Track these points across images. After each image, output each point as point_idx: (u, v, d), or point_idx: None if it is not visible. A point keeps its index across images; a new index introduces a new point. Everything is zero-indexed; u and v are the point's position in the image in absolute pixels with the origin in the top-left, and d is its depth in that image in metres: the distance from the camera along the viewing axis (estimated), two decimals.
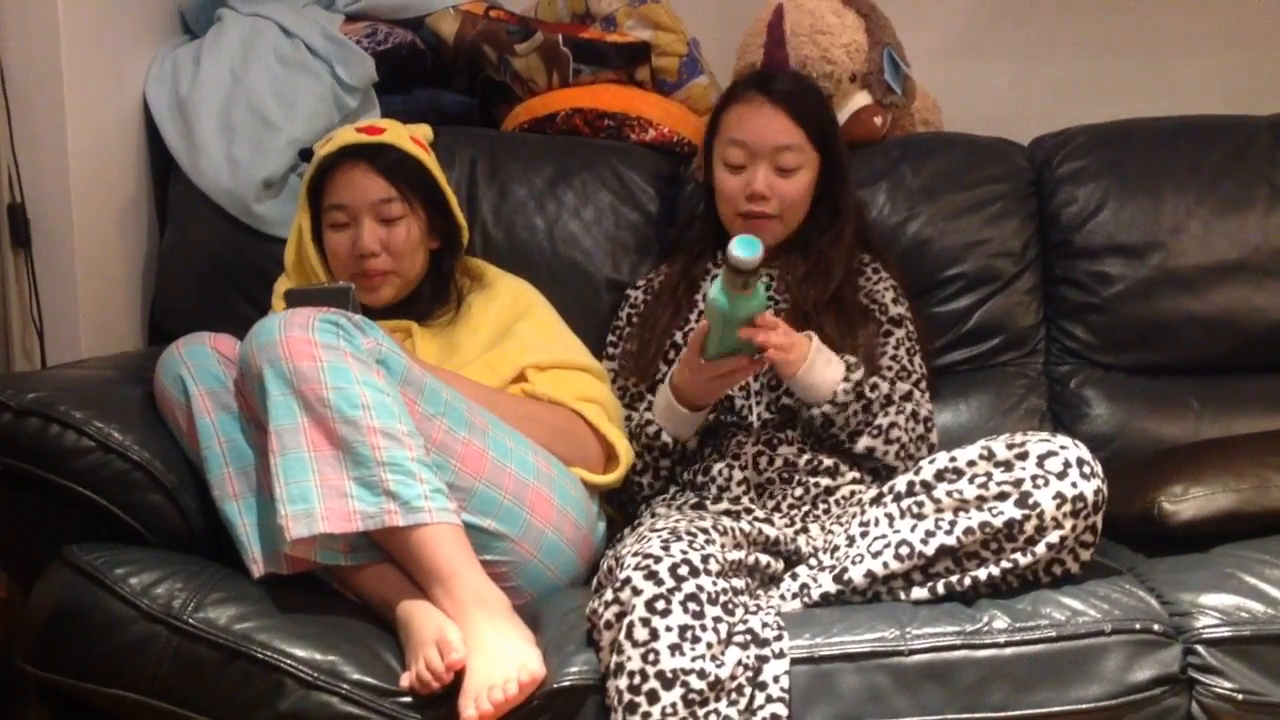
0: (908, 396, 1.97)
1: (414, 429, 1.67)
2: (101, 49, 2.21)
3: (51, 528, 1.70)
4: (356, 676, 1.58)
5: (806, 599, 1.70)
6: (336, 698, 1.57)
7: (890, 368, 2.02)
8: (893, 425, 1.93)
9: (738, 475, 1.94)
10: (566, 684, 1.56)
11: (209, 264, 2.28)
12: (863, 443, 1.93)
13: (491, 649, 1.55)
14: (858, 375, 1.92)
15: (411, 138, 2.04)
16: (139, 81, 2.34)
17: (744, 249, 1.71)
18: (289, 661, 1.58)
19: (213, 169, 2.26)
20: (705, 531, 1.65)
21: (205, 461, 1.71)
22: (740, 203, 2.07)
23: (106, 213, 2.24)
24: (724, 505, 1.91)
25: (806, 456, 1.94)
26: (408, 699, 1.57)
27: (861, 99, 2.43)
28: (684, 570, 1.54)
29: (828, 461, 1.94)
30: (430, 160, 2.05)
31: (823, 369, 1.90)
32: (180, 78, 2.33)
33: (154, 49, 2.39)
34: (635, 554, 1.58)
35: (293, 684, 1.57)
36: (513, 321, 2.05)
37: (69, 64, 2.09)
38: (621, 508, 2.05)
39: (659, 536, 1.60)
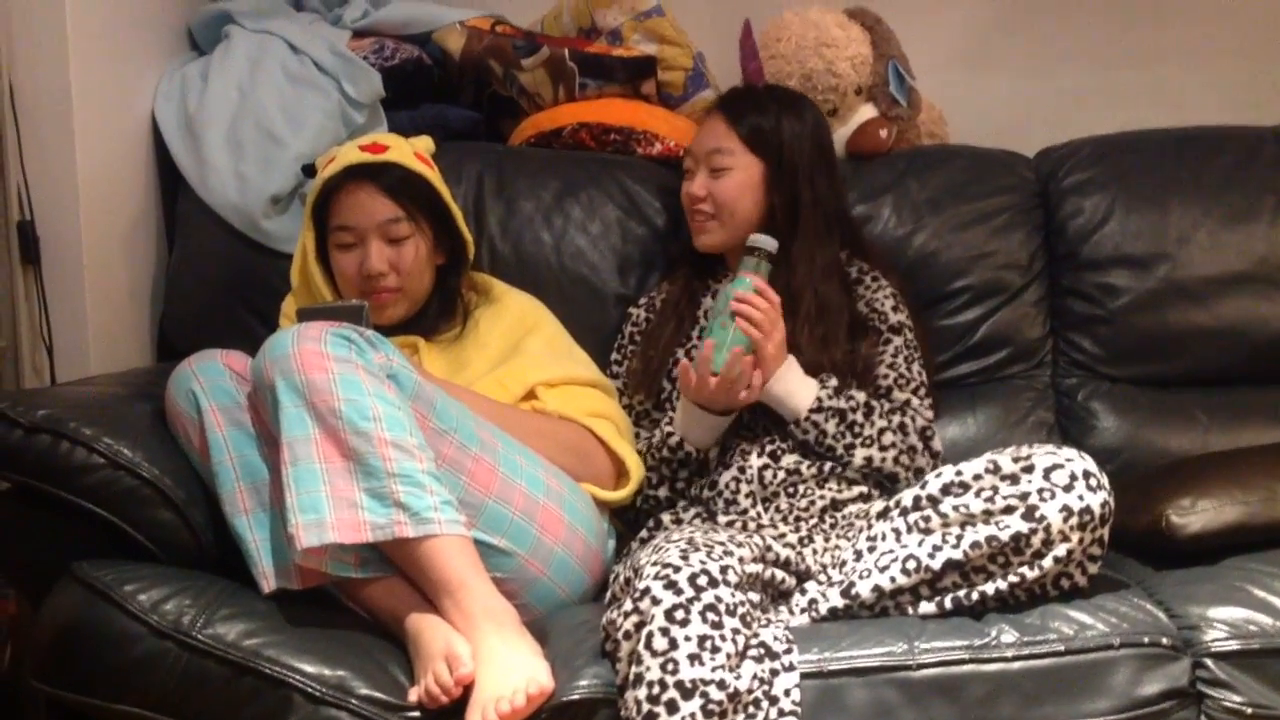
0: (898, 407, 1.97)
1: (424, 442, 1.67)
2: (110, 66, 2.22)
3: (61, 544, 1.71)
4: (365, 691, 1.58)
5: (814, 614, 1.70)
6: (345, 713, 1.57)
7: (887, 375, 2.01)
8: (883, 431, 1.94)
9: (745, 487, 1.94)
10: (576, 697, 1.56)
11: (217, 280, 2.29)
12: (859, 454, 1.92)
13: (500, 661, 1.55)
14: (832, 383, 1.94)
15: (415, 153, 2.03)
16: (147, 99, 2.35)
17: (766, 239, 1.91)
18: (297, 677, 1.58)
19: (221, 185, 2.26)
20: (722, 544, 1.65)
21: (216, 476, 1.71)
22: (689, 207, 2.14)
23: (115, 229, 2.25)
24: (731, 516, 1.92)
25: (814, 467, 1.94)
26: (416, 714, 1.57)
27: (867, 111, 2.44)
28: (703, 580, 1.54)
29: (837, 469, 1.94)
30: (434, 176, 2.04)
31: (797, 381, 1.92)
32: (188, 95, 2.33)
33: (162, 66, 2.40)
34: (654, 564, 1.57)
35: (301, 699, 1.57)
36: (521, 337, 2.05)
37: (78, 82, 2.10)
38: (630, 523, 2.04)
39: (677, 547, 1.60)
